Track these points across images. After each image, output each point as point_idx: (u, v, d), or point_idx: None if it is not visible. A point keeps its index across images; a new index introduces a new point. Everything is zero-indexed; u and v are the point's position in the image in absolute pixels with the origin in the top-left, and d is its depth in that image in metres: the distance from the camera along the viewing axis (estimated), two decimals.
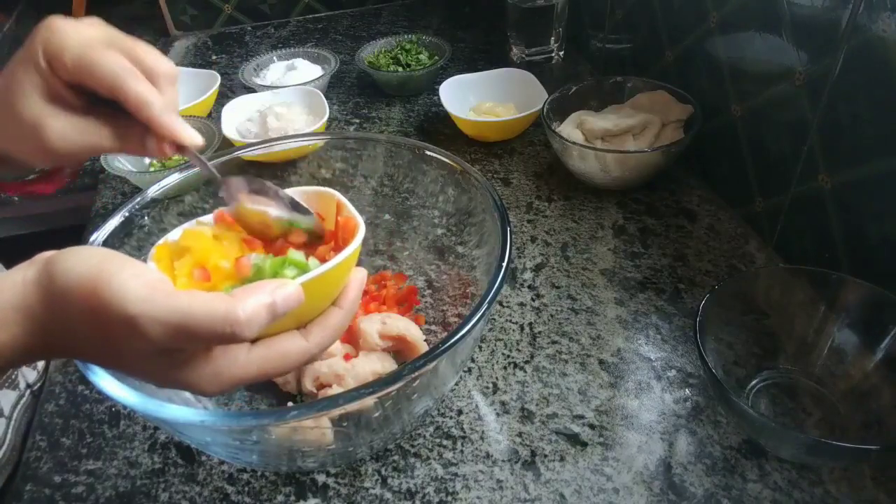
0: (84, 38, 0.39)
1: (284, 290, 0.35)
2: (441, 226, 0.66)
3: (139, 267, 0.33)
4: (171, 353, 0.34)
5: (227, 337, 0.32)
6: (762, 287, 0.59)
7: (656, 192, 0.82)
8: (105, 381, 0.40)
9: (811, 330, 0.58)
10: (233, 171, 0.64)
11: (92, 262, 0.33)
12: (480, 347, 0.64)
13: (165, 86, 0.41)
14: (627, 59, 1.00)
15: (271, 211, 0.44)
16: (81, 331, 0.33)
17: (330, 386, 0.55)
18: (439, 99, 0.94)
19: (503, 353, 0.63)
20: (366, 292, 0.65)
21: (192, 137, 0.42)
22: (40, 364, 0.70)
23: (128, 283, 0.32)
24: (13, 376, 0.66)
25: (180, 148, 0.42)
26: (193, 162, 0.44)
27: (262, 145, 0.66)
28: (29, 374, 0.68)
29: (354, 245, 0.41)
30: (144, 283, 0.32)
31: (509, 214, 0.64)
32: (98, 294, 0.31)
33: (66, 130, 0.40)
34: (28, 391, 0.68)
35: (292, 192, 0.46)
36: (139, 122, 0.41)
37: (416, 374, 0.42)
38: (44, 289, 0.33)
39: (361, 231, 0.43)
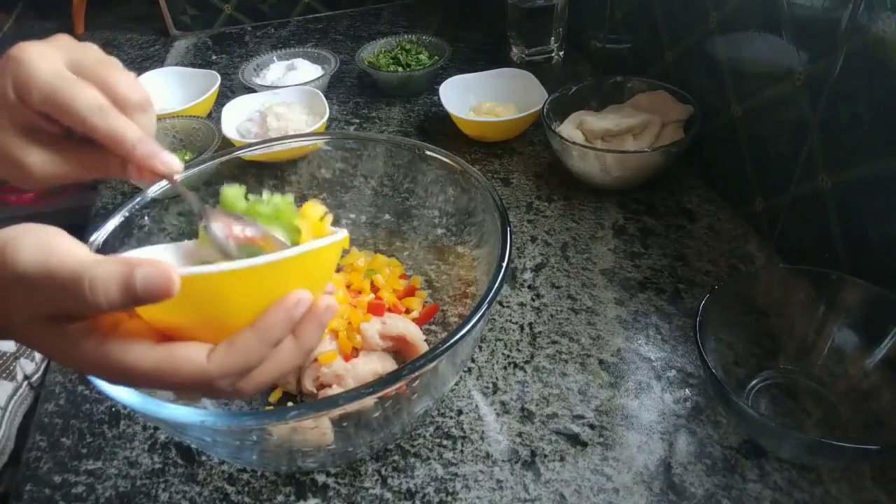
0: (52, 69, 0.37)
1: (146, 269, 0.30)
2: (441, 226, 0.66)
3: (51, 236, 0.32)
4: (58, 322, 0.32)
5: (73, 298, 0.30)
6: (762, 287, 0.59)
7: (656, 192, 0.82)
8: (105, 382, 0.40)
9: (811, 330, 0.58)
10: (233, 171, 0.64)
11: (20, 229, 0.32)
12: (480, 347, 0.64)
13: (138, 115, 0.40)
14: (627, 59, 1.00)
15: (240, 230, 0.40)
16: None
17: (330, 386, 0.55)
18: (439, 99, 0.94)
19: (503, 353, 0.63)
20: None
21: (168, 166, 0.40)
22: (38, 356, 0.70)
23: (26, 246, 0.31)
24: (11, 367, 0.66)
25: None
26: (173, 188, 0.42)
27: (262, 145, 0.66)
28: (27, 366, 0.68)
29: (320, 242, 0.36)
30: (41, 246, 0.31)
31: (509, 214, 0.64)
32: (2, 253, 0.31)
33: (45, 163, 0.39)
34: (25, 382, 0.68)
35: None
36: None
37: (416, 374, 0.42)
38: None
39: (340, 235, 0.37)
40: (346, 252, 0.66)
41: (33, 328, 0.33)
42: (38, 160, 0.39)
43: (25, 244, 0.31)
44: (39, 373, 0.70)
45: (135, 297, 0.30)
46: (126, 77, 0.40)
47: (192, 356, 0.33)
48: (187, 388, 0.34)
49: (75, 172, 0.41)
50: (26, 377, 0.68)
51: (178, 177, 0.41)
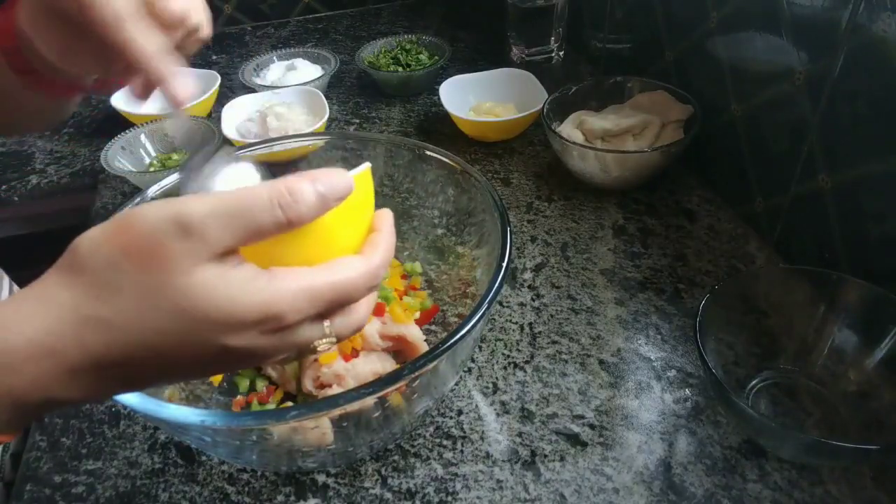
0: None
1: (320, 173, 0.31)
2: (441, 226, 0.66)
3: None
4: (226, 261, 0.30)
5: (278, 218, 0.30)
6: (762, 287, 0.59)
7: (656, 192, 0.82)
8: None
9: (811, 330, 0.58)
10: None
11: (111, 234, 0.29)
12: (480, 347, 0.64)
13: (169, 27, 0.40)
14: (627, 59, 1.00)
15: None
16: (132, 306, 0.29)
17: (330, 386, 0.55)
18: (439, 99, 0.94)
19: (503, 353, 0.63)
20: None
21: (178, 91, 0.40)
22: None
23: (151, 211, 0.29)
24: None
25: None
26: (173, 115, 0.42)
27: (262, 145, 0.66)
28: None
29: (364, 166, 0.38)
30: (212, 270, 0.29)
31: (509, 214, 0.64)
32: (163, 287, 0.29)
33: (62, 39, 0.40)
34: None
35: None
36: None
37: (416, 374, 0.42)
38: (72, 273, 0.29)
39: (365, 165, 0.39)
40: None
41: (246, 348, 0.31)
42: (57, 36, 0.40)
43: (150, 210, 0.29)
44: None
45: (326, 201, 0.31)
46: None
47: (348, 260, 0.34)
48: (357, 290, 0.33)
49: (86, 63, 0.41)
50: None
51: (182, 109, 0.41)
